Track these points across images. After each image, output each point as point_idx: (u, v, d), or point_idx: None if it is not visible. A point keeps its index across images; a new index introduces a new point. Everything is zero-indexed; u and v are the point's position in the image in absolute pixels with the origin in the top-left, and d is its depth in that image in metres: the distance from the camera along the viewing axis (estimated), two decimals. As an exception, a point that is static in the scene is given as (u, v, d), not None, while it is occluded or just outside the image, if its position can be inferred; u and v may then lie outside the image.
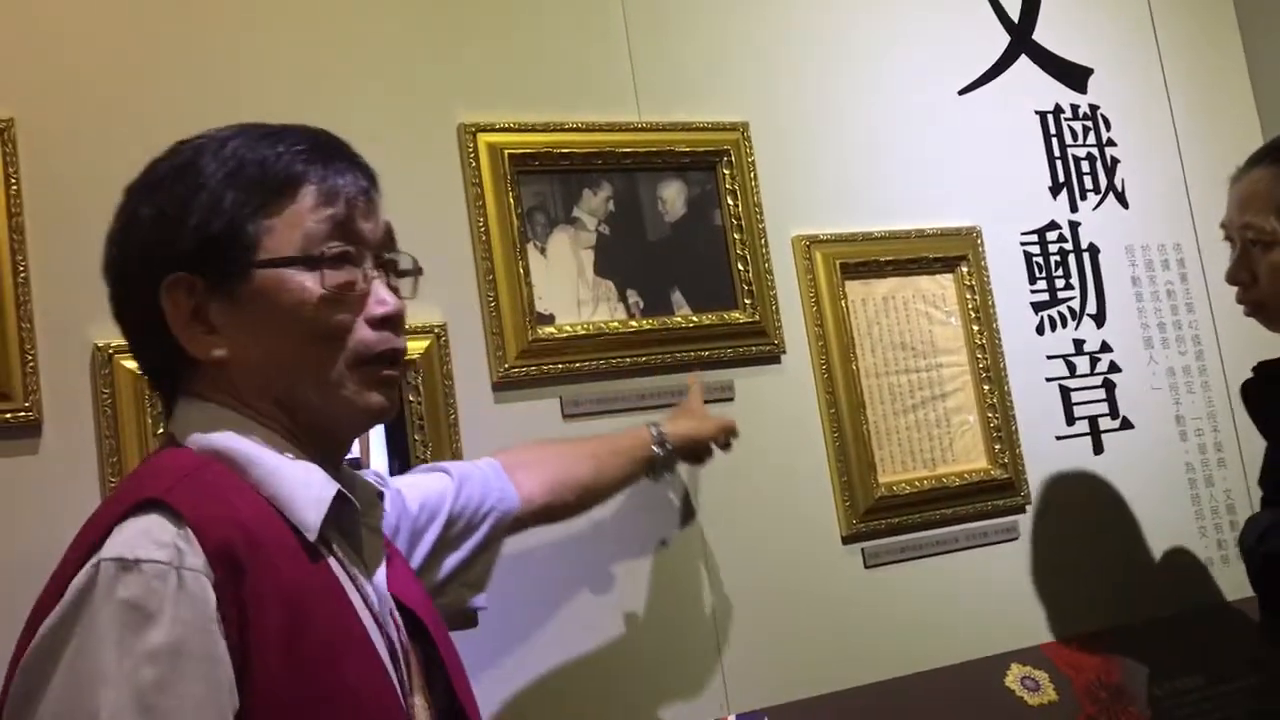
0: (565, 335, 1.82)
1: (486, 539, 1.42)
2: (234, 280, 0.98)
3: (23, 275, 1.51)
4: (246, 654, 0.86)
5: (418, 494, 1.36)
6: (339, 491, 0.99)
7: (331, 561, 0.98)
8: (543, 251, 1.85)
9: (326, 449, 1.04)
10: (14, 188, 1.52)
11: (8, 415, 1.48)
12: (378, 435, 1.66)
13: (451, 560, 1.38)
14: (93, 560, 0.86)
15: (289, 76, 1.73)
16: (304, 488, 0.97)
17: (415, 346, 1.68)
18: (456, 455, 1.69)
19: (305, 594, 0.91)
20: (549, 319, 1.83)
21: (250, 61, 1.71)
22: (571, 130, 1.89)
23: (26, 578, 1.42)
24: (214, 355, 0.99)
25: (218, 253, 0.98)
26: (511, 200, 1.82)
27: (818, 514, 1.98)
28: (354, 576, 1.00)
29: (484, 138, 1.82)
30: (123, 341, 1.51)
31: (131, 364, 1.53)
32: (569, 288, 1.86)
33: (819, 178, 2.10)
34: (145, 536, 0.86)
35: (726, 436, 1.77)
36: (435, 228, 1.76)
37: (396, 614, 1.06)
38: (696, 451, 1.75)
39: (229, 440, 0.98)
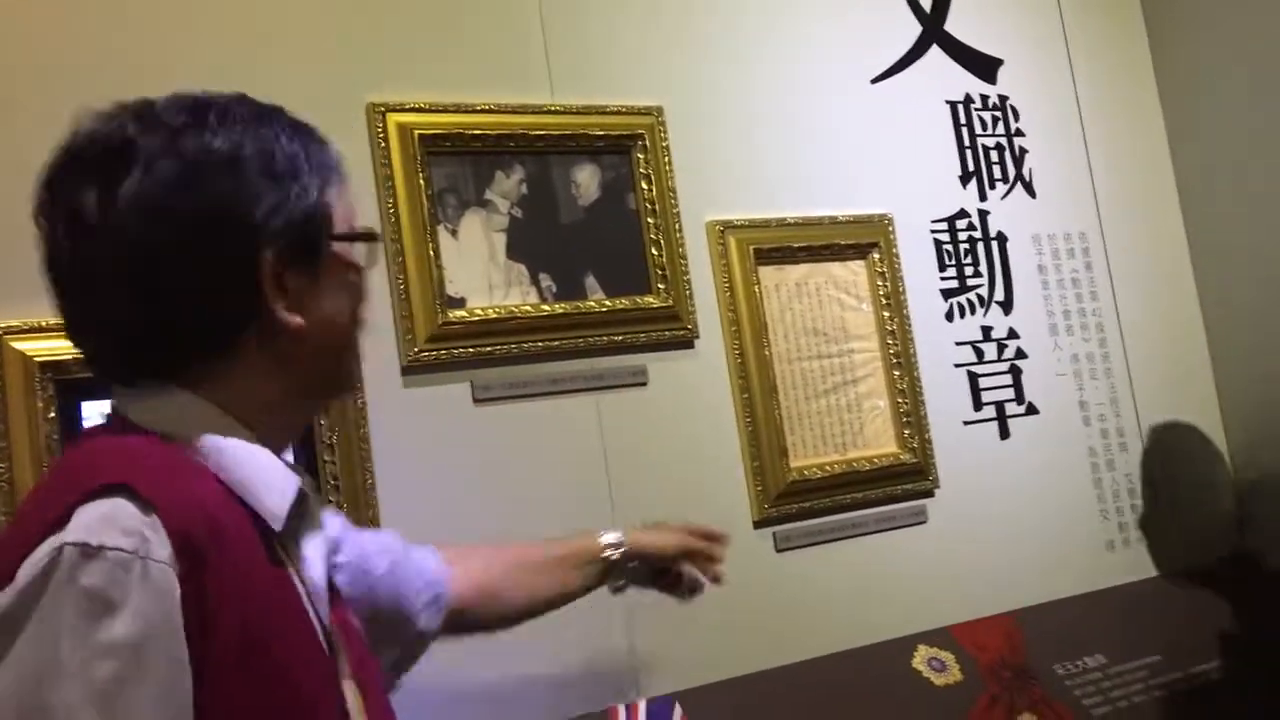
0: (476, 319, 1.80)
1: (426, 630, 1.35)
2: (314, 255, 1.00)
3: (-94, 253, 1.45)
4: (206, 651, 0.83)
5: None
6: (299, 487, 0.98)
7: (283, 555, 0.96)
8: (454, 234, 1.83)
9: (286, 440, 1.04)
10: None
11: (-110, 399, 1.43)
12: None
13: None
14: (54, 543, 0.81)
15: (196, 51, 1.69)
16: (273, 476, 0.96)
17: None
18: (363, 441, 1.66)
19: (263, 592, 0.89)
20: (460, 302, 1.81)
21: (158, 37, 1.67)
22: (484, 111, 1.86)
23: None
24: (294, 323, 0.97)
25: (302, 228, 0.98)
26: (422, 181, 1.79)
27: (730, 498, 1.99)
28: (300, 571, 0.98)
29: (394, 117, 1.79)
30: (12, 323, 1.49)
31: (22, 345, 1.48)
32: (480, 271, 1.84)
33: (733, 163, 2.10)
34: (109, 522, 0.82)
35: (692, 570, 1.58)
36: (343, 208, 1.73)
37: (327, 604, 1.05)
38: (654, 567, 1.57)
39: (194, 423, 0.94)
